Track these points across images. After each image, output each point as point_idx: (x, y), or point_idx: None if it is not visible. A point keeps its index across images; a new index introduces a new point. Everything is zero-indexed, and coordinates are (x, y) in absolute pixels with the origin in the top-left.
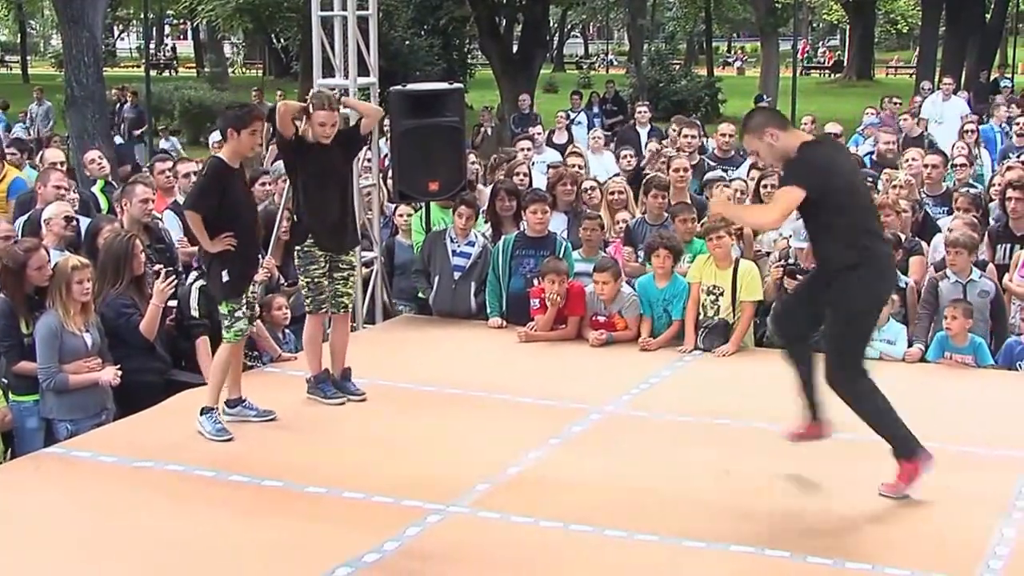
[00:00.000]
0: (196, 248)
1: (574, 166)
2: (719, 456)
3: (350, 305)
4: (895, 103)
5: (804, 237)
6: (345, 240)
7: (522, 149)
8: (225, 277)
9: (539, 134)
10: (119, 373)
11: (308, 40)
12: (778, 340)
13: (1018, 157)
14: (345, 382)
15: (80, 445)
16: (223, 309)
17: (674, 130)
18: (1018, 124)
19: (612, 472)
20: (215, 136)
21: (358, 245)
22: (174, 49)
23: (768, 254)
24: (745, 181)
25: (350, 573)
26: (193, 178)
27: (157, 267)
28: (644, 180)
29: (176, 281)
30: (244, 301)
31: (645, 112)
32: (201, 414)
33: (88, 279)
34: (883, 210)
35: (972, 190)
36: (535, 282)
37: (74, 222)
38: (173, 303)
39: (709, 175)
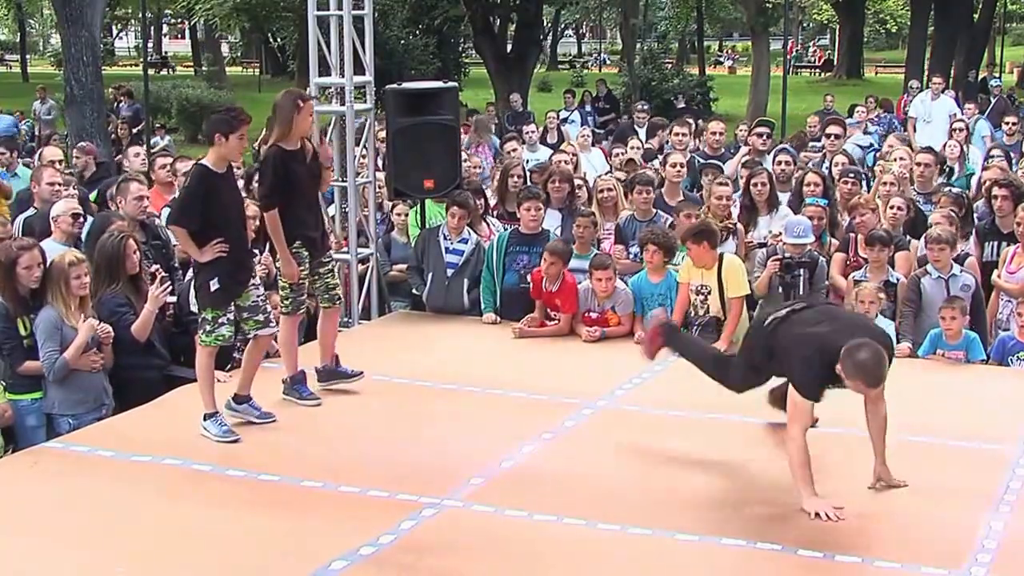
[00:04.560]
0: None
1: (563, 162)
2: (711, 450)
3: (341, 297)
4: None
5: (797, 234)
6: (324, 243)
7: (511, 150)
8: (215, 286)
9: (533, 132)
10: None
11: (304, 39)
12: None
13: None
14: (337, 368)
15: (78, 439)
16: (207, 315)
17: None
18: (1007, 124)
19: (605, 466)
20: None
21: (331, 246)
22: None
23: (761, 246)
24: (728, 180)
25: (346, 566)
26: None
27: (153, 268)
28: (629, 177)
29: (172, 284)
30: (232, 308)
31: (644, 115)
32: (204, 419)
33: (85, 273)
34: (858, 209)
35: (954, 189)
36: (528, 277)
37: (80, 219)
38: (172, 299)
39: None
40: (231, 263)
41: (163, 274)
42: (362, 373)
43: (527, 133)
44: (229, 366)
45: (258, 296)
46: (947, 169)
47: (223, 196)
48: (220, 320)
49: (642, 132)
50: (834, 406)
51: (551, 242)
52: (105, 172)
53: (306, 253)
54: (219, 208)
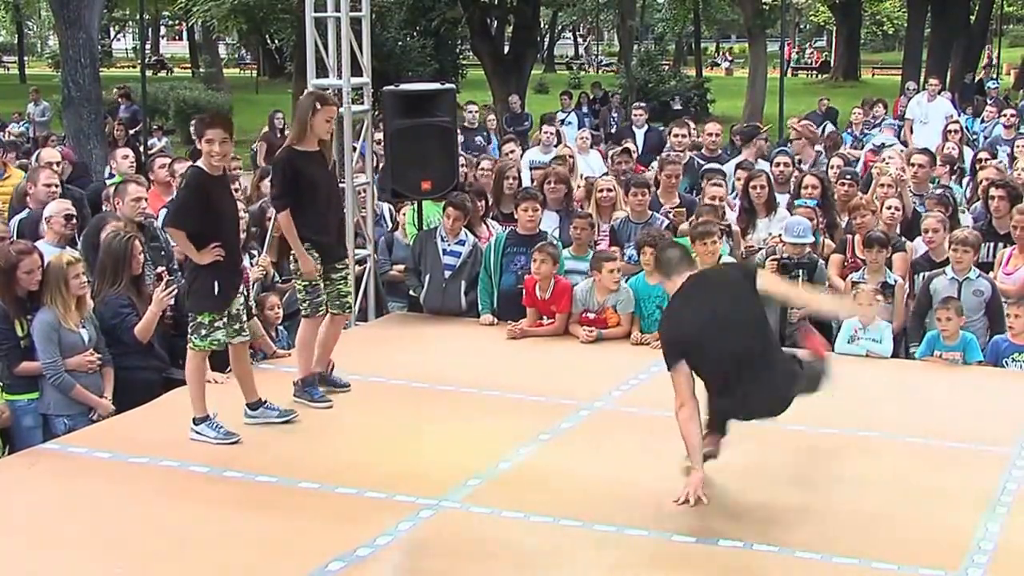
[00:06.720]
0: None
1: (562, 163)
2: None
3: (352, 304)
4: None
5: (797, 234)
6: (340, 250)
7: (508, 152)
8: (216, 289)
9: (551, 134)
10: (113, 409)
11: (302, 41)
12: None
13: (992, 155)
14: (330, 375)
15: (76, 441)
16: (203, 319)
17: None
18: (1004, 116)
19: (601, 467)
20: None
21: (347, 252)
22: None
23: (759, 250)
24: (723, 182)
25: (343, 567)
26: None
27: (159, 270)
28: (624, 179)
29: (175, 287)
30: (227, 312)
31: (641, 115)
32: (195, 424)
33: (82, 272)
34: (857, 211)
35: (938, 190)
36: (526, 278)
37: (74, 220)
38: (171, 301)
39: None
40: (228, 267)
41: (169, 276)
42: (349, 386)
43: (546, 134)
44: (229, 367)
45: (240, 305)
46: (958, 170)
47: (215, 199)
48: (216, 324)
49: (640, 133)
50: (827, 408)
51: (540, 243)
52: (82, 173)
53: (317, 255)
54: (214, 211)
